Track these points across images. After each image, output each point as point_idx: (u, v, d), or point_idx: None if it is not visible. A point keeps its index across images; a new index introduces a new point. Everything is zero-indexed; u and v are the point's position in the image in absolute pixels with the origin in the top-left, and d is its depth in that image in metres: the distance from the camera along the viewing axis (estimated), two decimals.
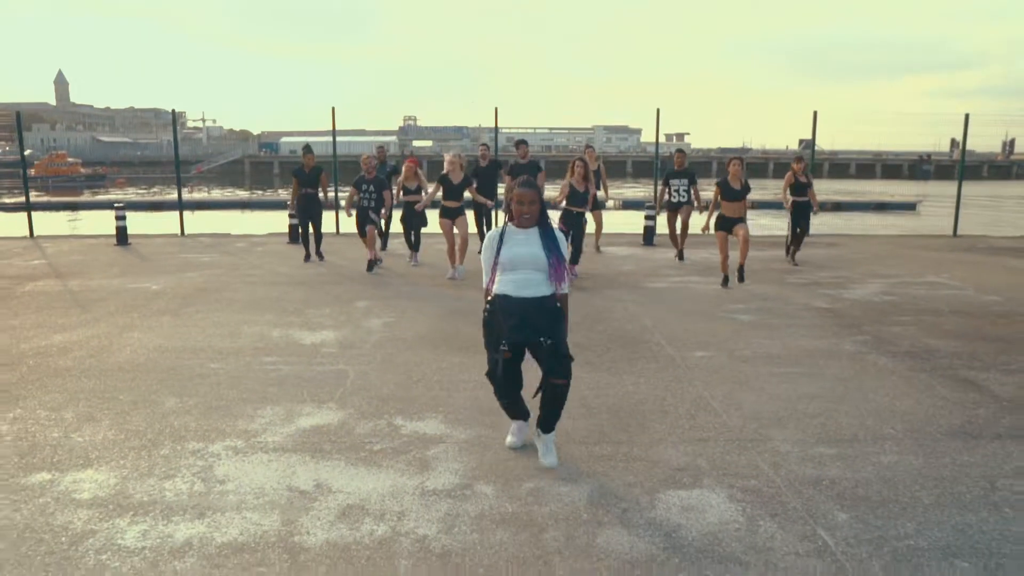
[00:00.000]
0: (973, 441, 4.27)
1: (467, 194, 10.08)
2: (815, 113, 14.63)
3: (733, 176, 8.99)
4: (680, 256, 11.27)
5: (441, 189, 9.79)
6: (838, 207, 31.42)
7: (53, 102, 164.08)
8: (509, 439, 4.18)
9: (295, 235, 12.99)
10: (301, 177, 11.14)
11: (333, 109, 14.42)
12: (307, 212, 11.12)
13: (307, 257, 11.18)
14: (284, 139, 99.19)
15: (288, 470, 3.86)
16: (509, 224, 3.99)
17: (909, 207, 33.38)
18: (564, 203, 9.33)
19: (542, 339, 3.84)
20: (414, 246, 11.04)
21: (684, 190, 11.29)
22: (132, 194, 43.38)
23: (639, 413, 4.71)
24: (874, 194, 42.41)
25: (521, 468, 3.91)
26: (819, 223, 14.92)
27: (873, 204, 34.01)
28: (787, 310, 7.84)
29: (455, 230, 9.76)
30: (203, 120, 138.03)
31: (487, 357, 4.02)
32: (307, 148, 11.26)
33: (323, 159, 12.82)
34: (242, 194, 45.33)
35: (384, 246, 12.27)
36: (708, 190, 10.69)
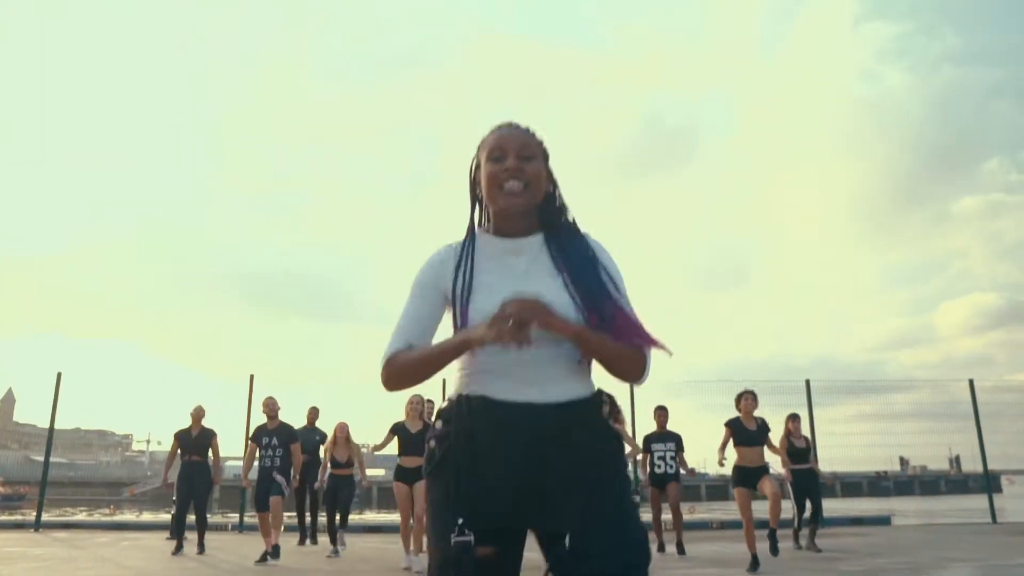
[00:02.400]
0: None
1: None
2: (807, 383, 12.99)
3: (746, 414, 6.87)
4: (679, 548, 8.30)
5: (397, 442, 7.25)
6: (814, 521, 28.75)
7: None
8: None
9: (178, 526, 10.04)
10: (185, 442, 8.49)
11: (251, 376, 12.27)
12: (189, 484, 8.35)
13: (178, 548, 8.13)
14: (229, 463, 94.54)
15: None
16: (478, 233, 1.68)
17: (884, 520, 30.99)
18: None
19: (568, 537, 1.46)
20: (341, 523, 8.26)
21: (671, 457, 8.84)
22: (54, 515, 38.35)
23: None
24: (844, 510, 39.91)
25: None
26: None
27: (848, 519, 31.52)
28: None
29: (413, 500, 7.01)
30: (147, 442, 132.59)
31: (430, 546, 1.55)
32: (198, 408, 8.69)
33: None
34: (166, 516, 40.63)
35: (306, 535, 9.27)
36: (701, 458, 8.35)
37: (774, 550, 6.55)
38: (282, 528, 7.54)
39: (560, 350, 1.52)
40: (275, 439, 7.56)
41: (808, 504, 8.74)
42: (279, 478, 7.45)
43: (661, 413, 9.12)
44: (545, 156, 1.67)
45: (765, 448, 7.29)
